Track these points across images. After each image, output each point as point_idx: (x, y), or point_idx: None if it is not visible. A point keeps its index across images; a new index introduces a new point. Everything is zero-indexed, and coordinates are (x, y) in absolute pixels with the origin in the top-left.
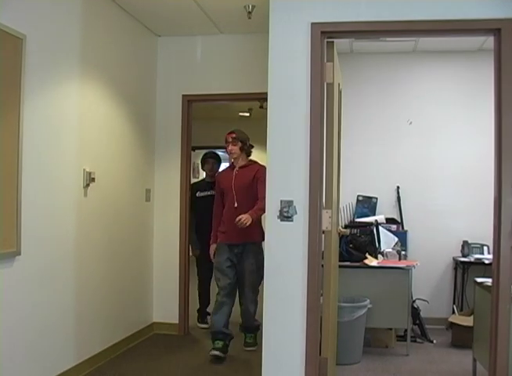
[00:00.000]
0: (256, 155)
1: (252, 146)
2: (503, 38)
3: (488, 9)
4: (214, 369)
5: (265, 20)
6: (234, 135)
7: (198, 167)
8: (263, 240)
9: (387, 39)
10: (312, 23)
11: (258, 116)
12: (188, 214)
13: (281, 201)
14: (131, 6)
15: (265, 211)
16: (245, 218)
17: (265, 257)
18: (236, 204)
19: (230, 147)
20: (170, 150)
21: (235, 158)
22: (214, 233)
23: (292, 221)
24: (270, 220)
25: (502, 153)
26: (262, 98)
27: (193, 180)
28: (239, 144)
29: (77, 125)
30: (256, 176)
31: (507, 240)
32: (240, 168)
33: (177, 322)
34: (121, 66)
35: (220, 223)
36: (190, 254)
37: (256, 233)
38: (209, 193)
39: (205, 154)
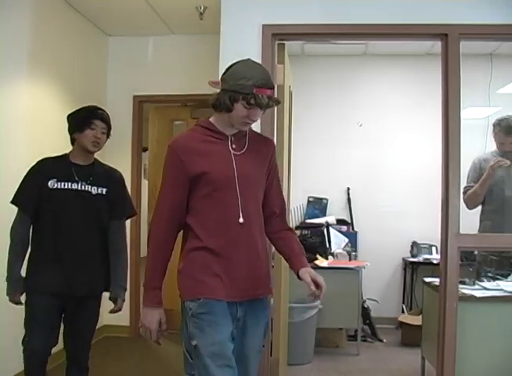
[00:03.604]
0: None
1: None
2: (450, 43)
3: (436, 15)
4: (165, 373)
5: (217, 21)
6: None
7: (147, 167)
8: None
9: (338, 42)
10: (264, 25)
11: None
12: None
13: None
14: (82, 5)
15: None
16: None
17: None
18: (241, 219)
19: (259, 111)
20: (120, 152)
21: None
22: (156, 278)
23: None
24: None
25: (449, 156)
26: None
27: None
28: None
29: (25, 125)
30: (272, 159)
31: (454, 241)
32: (244, 137)
33: (128, 324)
34: (71, 66)
35: (185, 259)
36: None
37: (269, 274)
38: (77, 186)
39: (88, 110)
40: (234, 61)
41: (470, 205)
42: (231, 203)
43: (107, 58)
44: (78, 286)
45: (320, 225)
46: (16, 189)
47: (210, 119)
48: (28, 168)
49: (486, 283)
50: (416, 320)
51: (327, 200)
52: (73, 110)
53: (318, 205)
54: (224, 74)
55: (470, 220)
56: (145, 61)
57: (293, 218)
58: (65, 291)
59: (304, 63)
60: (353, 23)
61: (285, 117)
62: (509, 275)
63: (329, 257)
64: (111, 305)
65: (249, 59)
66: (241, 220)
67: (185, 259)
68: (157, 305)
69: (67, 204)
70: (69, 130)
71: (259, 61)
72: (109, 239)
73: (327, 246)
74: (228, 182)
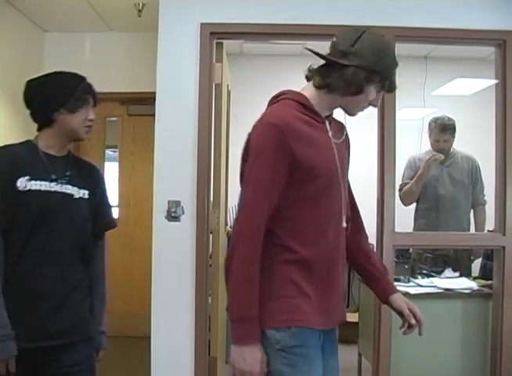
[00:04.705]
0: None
1: None
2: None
3: (372, 17)
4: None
5: (155, 19)
6: None
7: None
8: None
9: (277, 42)
10: (202, 24)
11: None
12: None
13: (168, 201)
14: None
15: None
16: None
17: (152, 257)
18: (344, 223)
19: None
20: None
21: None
22: (254, 305)
23: (179, 221)
24: (157, 220)
25: (384, 155)
26: (152, 98)
27: None
28: None
29: None
30: (349, 149)
31: (389, 239)
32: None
33: None
34: (5, 62)
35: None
36: None
37: None
38: (57, 187)
39: (77, 81)
40: (171, 60)
41: (406, 201)
42: (334, 205)
43: (44, 54)
44: (59, 334)
45: None
46: None
47: (304, 93)
48: None
49: (420, 281)
50: (352, 317)
51: None
52: (40, 76)
53: None
54: (352, 45)
55: (405, 219)
56: (82, 58)
57: (231, 217)
58: (41, 342)
59: (242, 62)
60: (290, 24)
61: (222, 117)
62: (442, 272)
63: None
64: None
65: (377, 32)
66: (344, 224)
67: (269, 275)
68: (258, 341)
69: (47, 215)
70: (42, 107)
71: (197, 60)
72: (94, 264)
73: None
74: (333, 179)
